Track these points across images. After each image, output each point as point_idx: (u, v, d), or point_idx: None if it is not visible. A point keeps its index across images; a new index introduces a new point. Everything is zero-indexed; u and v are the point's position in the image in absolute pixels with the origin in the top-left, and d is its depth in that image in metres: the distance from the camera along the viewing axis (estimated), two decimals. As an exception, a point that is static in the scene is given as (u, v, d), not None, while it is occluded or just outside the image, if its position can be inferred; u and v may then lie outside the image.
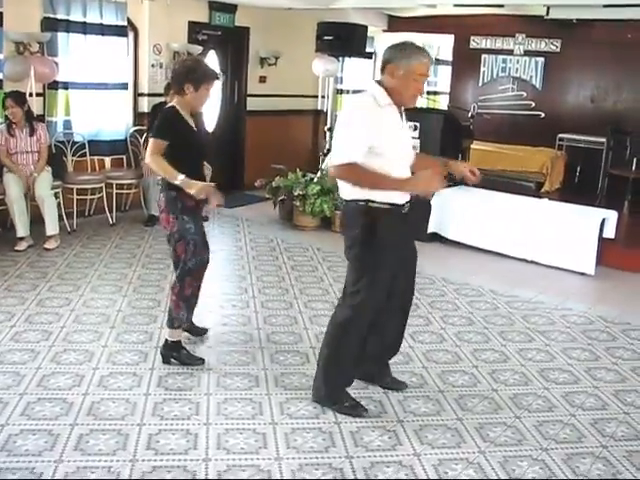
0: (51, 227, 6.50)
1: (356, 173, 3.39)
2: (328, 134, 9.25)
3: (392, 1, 8.12)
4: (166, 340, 4.32)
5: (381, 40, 11.59)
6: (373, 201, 3.48)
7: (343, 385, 3.81)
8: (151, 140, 4.11)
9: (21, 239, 6.44)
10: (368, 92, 3.55)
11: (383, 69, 3.59)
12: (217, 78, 4.27)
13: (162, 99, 7.33)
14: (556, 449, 3.49)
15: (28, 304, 5.12)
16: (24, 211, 6.49)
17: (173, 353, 4.28)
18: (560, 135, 10.09)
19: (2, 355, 4.23)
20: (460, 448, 3.46)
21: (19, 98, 6.55)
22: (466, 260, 6.99)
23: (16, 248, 6.37)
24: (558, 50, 10.46)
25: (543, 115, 10.58)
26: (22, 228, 6.41)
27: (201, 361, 4.28)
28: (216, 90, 9.35)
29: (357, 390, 3.97)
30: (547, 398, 4.07)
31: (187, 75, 4.11)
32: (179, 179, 3.98)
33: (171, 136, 4.07)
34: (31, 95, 6.81)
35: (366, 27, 8.75)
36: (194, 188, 3.98)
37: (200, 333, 4.70)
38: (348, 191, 3.55)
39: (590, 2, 7.16)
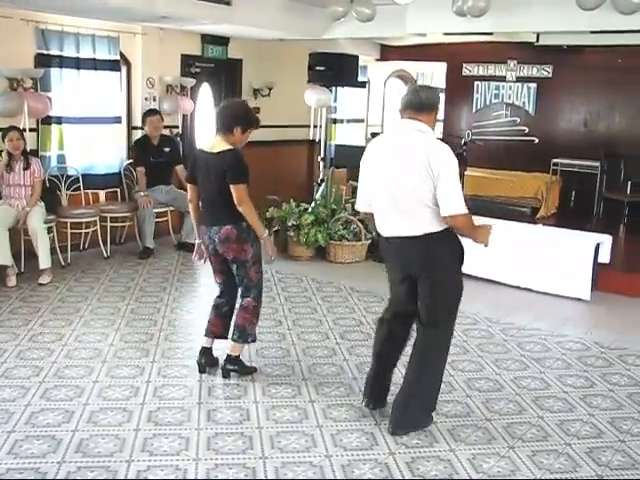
0: (44, 261, 6.48)
1: (471, 222, 3.71)
2: (322, 164, 9.29)
3: (382, 31, 8.17)
4: (230, 356, 4.56)
5: (374, 69, 11.69)
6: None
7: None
8: (241, 186, 4.28)
9: (5, 268, 6.37)
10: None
11: (430, 112, 3.72)
12: (259, 124, 4.58)
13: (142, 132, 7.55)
14: (550, 479, 3.45)
15: (20, 340, 5.09)
16: (5, 240, 6.35)
17: (236, 367, 4.57)
18: (554, 160, 10.11)
19: (-9, 392, 4.21)
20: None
21: (21, 132, 6.64)
22: (461, 287, 6.95)
23: (8, 284, 6.34)
24: (550, 75, 10.55)
25: (537, 140, 10.64)
26: (3, 255, 6.30)
27: (255, 369, 4.68)
28: (212, 120, 9.48)
29: (348, 423, 3.95)
30: (542, 427, 4.03)
31: (237, 118, 4.37)
32: (266, 235, 4.48)
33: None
34: (25, 130, 6.84)
35: (357, 57, 8.84)
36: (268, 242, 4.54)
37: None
38: (426, 225, 3.65)
39: (577, 29, 7.20)
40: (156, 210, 7.77)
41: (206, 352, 4.65)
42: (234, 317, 4.62)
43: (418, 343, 3.91)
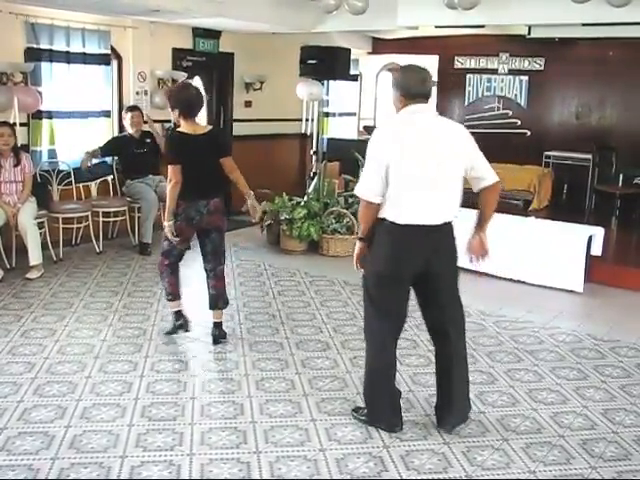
0: (34, 257, 6.45)
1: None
2: (314, 157, 9.28)
3: (373, 24, 8.15)
4: (220, 323, 5.10)
5: (366, 62, 11.66)
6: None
7: None
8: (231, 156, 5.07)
9: None
10: None
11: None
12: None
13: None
14: (544, 471, 3.46)
15: (12, 336, 5.06)
16: None
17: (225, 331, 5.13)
18: (546, 152, 10.14)
19: (-17, 389, 4.19)
20: (447, 473, 3.42)
21: (13, 128, 6.61)
22: (454, 280, 6.95)
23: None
24: (542, 68, 10.56)
25: (529, 133, 10.66)
26: None
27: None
28: (202, 115, 9.44)
29: (342, 416, 3.95)
30: (535, 419, 4.03)
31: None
32: (252, 193, 5.19)
33: None
34: (15, 125, 6.80)
35: (349, 50, 8.81)
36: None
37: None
38: (454, 211, 3.74)
39: (569, 21, 7.20)
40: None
41: (181, 313, 5.17)
42: (214, 287, 5.08)
43: (454, 349, 3.83)
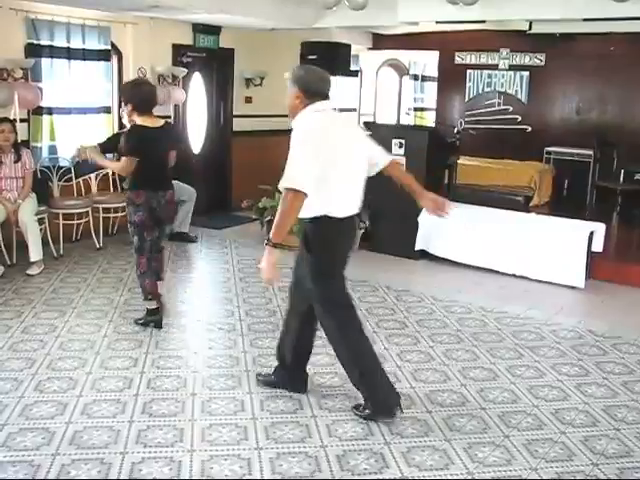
0: (34, 253, 6.45)
1: None
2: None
3: (374, 20, 8.13)
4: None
5: (366, 58, 11.64)
6: None
7: None
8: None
9: None
10: None
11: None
12: None
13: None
14: (546, 468, 3.45)
15: (12, 332, 5.05)
16: None
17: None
18: (547, 148, 10.14)
19: (-16, 385, 4.19)
20: (448, 470, 3.41)
21: (13, 124, 6.60)
22: (455, 277, 6.96)
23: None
24: (543, 64, 10.54)
25: (529, 129, 10.64)
26: None
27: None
28: (202, 111, 9.44)
29: (343, 413, 3.95)
30: (537, 416, 4.03)
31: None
32: None
33: None
34: (15, 121, 6.79)
35: (350, 46, 8.80)
36: None
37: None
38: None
39: (570, 16, 7.18)
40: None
41: (158, 310, 5.29)
42: (156, 260, 5.39)
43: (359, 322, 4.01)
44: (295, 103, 3.75)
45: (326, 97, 3.77)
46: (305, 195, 3.52)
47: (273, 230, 3.57)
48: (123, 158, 5.11)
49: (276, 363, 4.26)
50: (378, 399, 3.87)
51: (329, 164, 3.61)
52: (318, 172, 3.56)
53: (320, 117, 3.73)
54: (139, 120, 5.09)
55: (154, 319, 5.25)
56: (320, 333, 4.98)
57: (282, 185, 3.56)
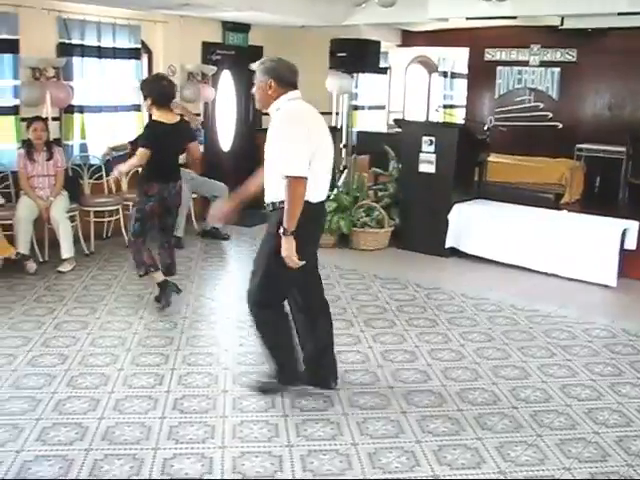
0: (66, 250, 6.51)
1: None
2: (344, 151, 9.24)
3: (403, 16, 8.10)
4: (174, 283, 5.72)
5: (395, 55, 11.59)
6: None
7: None
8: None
9: (25, 258, 6.41)
10: None
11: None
12: None
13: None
14: (579, 469, 3.41)
15: (45, 328, 5.12)
16: (29, 232, 6.45)
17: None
18: (578, 145, 10.02)
19: (19, 380, 4.23)
20: (480, 469, 3.38)
21: (46, 123, 6.68)
22: (485, 275, 6.90)
23: (29, 271, 6.39)
24: (574, 60, 10.41)
25: (560, 125, 10.51)
26: (23, 244, 6.37)
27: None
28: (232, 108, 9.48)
29: (374, 410, 3.94)
30: (569, 415, 3.98)
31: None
32: None
33: None
34: (47, 119, 6.87)
35: (379, 42, 8.75)
36: None
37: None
38: None
39: (604, 11, 7.07)
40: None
41: (167, 281, 5.64)
42: (170, 256, 5.78)
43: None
44: (268, 93, 3.87)
45: (296, 87, 3.91)
46: (306, 179, 3.66)
47: (286, 219, 3.68)
48: (139, 149, 5.38)
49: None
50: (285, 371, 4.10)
51: (314, 150, 3.76)
52: (309, 156, 3.71)
53: (299, 105, 3.88)
54: (156, 115, 5.42)
55: (170, 288, 5.63)
56: (350, 330, 4.98)
57: (284, 174, 3.68)
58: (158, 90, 5.42)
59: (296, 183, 3.65)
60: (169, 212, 5.66)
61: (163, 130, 5.40)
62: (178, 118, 5.60)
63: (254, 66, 3.97)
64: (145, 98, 5.51)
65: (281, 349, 4.09)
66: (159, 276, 5.60)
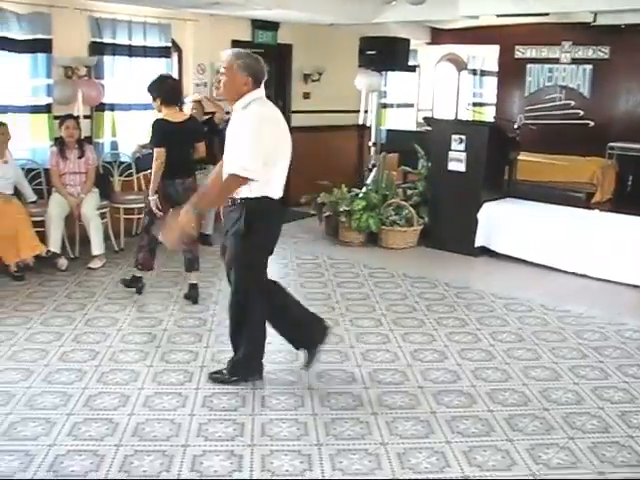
0: (97, 247, 6.58)
1: None
2: (373, 149, 9.22)
3: (433, 14, 8.05)
4: (197, 284, 5.83)
5: (424, 53, 11.53)
6: None
7: None
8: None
9: (57, 255, 6.47)
10: None
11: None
12: None
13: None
14: (614, 473, 3.35)
15: (76, 324, 5.17)
16: (60, 229, 6.52)
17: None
18: (610, 144, 9.89)
19: (50, 375, 4.28)
20: (511, 471, 3.35)
21: (77, 121, 6.76)
22: (515, 274, 6.84)
23: (60, 268, 6.46)
24: (607, 57, 10.26)
25: (592, 124, 10.36)
26: (54, 243, 6.44)
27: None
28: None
29: (403, 410, 3.92)
30: (602, 418, 3.92)
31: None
32: None
33: None
34: (79, 117, 6.94)
35: (409, 40, 8.72)
36: None
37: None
38: None
39: (638, 6, 6.96)
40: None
41: (142, 280, 5.90)
42: (190, 252, 5.74)
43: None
44: (243, 89, 3.90)
45: (261, 85, 3.98)
46: (248, 180, 3.77)
47: (203, 198, 4.01)
48: (155, 150, 5.51)
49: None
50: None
51: (277, 149, 3.89)
52: (266, 158, 3.79)
53: (268, 108, 3.99)
54: (163, 113, 5.57)
55: (136, 286, 5.88)
56: (379, 329, 4.96)
57: (231, 171, 3.80)
58: (165, 89, 5.59)
59: (238, 180, 3.79)
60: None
61: (168, 128, 5.52)
62: (186, 116, 5.79)
63: (229, 57, 3.99)
64: (154, 99, 5.62)
65: (258, 343, 4.22)
66: (137, 273, 5.87)
